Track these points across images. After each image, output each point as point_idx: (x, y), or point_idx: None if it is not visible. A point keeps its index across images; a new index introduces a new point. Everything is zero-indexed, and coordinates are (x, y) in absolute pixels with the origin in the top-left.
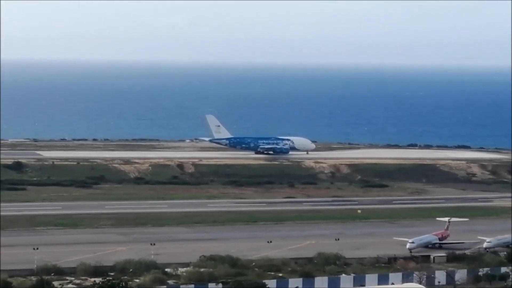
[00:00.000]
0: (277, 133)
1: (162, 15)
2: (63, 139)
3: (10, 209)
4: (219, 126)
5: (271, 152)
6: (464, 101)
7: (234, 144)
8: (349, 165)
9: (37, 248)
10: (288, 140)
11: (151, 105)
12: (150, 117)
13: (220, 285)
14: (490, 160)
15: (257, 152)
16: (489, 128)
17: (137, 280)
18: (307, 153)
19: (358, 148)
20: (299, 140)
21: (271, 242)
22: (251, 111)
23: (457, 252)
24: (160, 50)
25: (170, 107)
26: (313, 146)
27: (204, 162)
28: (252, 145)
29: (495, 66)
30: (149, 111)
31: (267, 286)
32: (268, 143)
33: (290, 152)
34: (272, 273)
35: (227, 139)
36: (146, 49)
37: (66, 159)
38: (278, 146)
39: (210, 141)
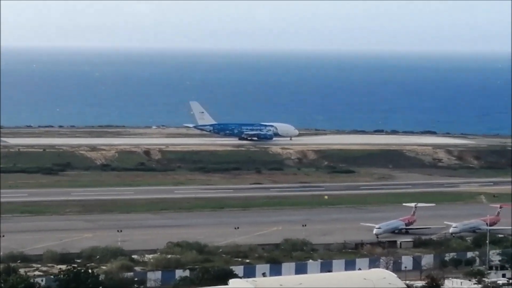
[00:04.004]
0: (245, 119)
1: (126, 1)
2: (29, 126)
3: None
4: (203, 112)
5: (255, 138)
6: (439, 87)
7: (218, 130)
8: (316, 151)
9: (3, 236)
10: (271, 126)
11: (121, 91)
12: (120, 103)
13: (187, 271)
14: (456, 145)
15: (241, 138)
16: (457, 114)
17: (104, 267)
18: (291, 139)
19: (325, 134)
20: (282, 126)
21: (238, 228)
22: (217, 97)
23: (424, 237)
24: (124, 37)
25: (141, 93)
26: (296, 132)
27: (171, 148)
28: (236, 131)
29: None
30: (119, 98)
31: (234, 272)
32: (252, 129)
33: (273, 138)
34: (239, 259)
35: (211, 125)
36: (112, 36)
37: (32, 146)
38: (262, 132)
39: (195, 127)
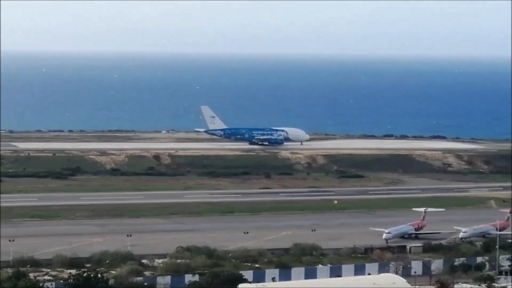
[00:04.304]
0: (254, 123)
1: (133, 5)
2: (39, 131)
3: None
4: (214, 117)
5: (266, 143)
6: (446, 91)
7: (229, 135)
8: (325, 156)
9: (13, 240)
10: (282, 130)
11: (130, 95)
12: (129, 108)
13: (197, 276)
14: (466, 150)
15: (252, 143)
16: (465, 119)
17: (114, 272)
18: (301, 144)
19: (334, 138)
20: (293, 131)
21: (247, 233)
22: (226, 101)
23: (433, 242)
24: (133, 41)
25: (150, 97)
26: (307, 136)
27: (181, 153)
28: (246, 136)
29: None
30: (129, 102)
31: (243, 277)
32: (263, 134)
33: (284, 143)
34: (249, 264)
35: (221, 130)
36: (120, 40)
37: (42, 151)
38: (272, 137)
39: (205, 132)
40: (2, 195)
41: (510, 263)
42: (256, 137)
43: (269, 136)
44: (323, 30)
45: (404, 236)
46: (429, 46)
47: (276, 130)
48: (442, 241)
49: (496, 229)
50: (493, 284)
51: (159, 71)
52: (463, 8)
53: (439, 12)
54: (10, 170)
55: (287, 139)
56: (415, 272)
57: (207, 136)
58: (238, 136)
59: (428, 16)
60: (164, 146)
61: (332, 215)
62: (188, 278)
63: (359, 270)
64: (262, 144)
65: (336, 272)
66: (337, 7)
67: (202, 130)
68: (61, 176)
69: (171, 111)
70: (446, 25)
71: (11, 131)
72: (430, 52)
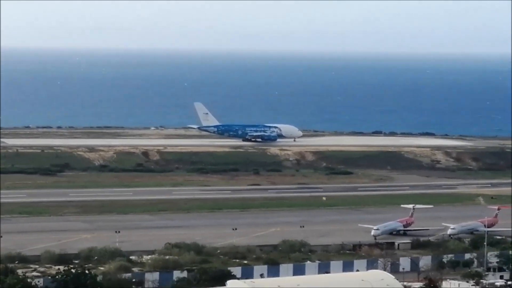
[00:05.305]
0: (243, 120)
1: (127, 4)
2: (27, 127)
3: None
4: (207, 113)
5: (259, 140)
6: (438, 89)
7: (222, 131)
8: (314, 153)
9: (1, 236)
10: (275, 127)
11: (119, 92)
12: (118, 104)
13: (185, 272)
14: (454, 147)
15: (245, 140)
16: (453, 115)
17: (102, 268)
18: (294, 140)
19: (323, 135)
20: (286, 128)
21: (236, 229)
22: (215, 98)
23: (422, 238)
24: (122, 38)
25: (139, 94)
26: (300, 133)
27: (169, 149)
28: (240, 132)
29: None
30: (118, 99)
31: (232, 273)
32: (256, 131)
33: (277, 140)
34: (237, 260)
35: (215, 126)
36: (110, 38)
37: (30, 147)
38: (266, 134)
39: (199, 128)
40: None
41: (498, 260)
42: (249, 134)
43: (262, 133)
44: (322, 28)
45: (393, 233)
46: (428, 43)
47: (269, 127)
48: (430, 238)
49: (485, 225)
50: (481, 280)
51: (148, 68)
52: (464, 5)
53: (438, 10)
54: None
55: (280, 136)
56: (403, 268)
57: (196, 132)
58: (232, 133)
59: (426, 14)
60: (153, 142)
61: (320, 212)
62: (177, 274)
63: (348, 267)
64: (256, 141)
65: (324, 269)
66: (335, 6)
67: (195, 126)
68: (49, 173)
69: (160, 107)
70: (445, 22)
71: None
72: (429, 50)
